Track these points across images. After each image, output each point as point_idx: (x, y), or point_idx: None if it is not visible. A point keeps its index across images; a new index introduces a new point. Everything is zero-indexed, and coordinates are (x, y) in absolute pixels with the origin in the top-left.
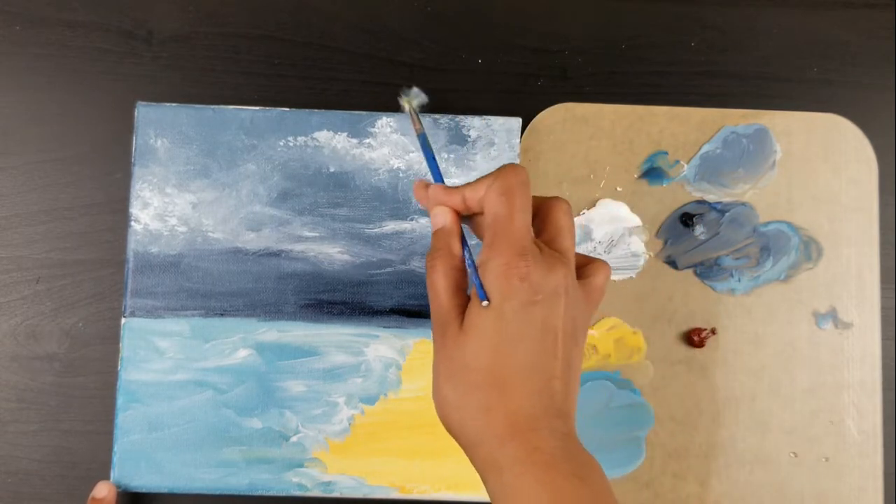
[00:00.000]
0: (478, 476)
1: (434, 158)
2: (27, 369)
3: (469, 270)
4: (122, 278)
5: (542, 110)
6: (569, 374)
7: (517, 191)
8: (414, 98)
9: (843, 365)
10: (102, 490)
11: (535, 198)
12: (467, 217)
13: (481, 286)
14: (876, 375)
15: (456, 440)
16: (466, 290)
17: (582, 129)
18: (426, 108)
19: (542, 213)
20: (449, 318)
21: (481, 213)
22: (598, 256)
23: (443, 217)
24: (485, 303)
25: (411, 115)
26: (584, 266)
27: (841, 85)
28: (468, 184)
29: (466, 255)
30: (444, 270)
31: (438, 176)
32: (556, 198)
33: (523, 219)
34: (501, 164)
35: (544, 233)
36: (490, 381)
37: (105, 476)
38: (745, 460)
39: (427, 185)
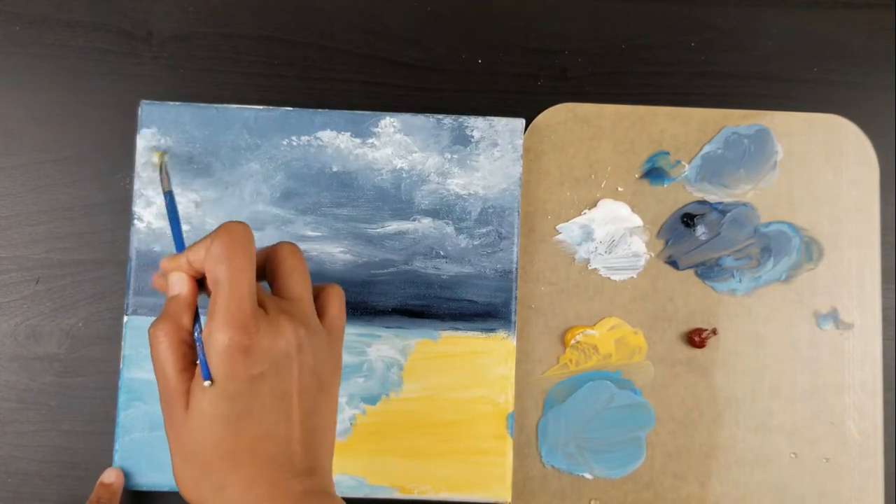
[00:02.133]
0: (480, 477)
1: (178, 222)
2: (27, 370)
3: (197, 346)
4: (122, 279)
5: (542, 110)
6: (312, 430)
7: (235, 252)
8: (164, 154)
9: (844, 366)
10: (111, 476)
11: (261, 250)
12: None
13: (205, 363)
14: (877, 376)
15: None
16: (193, 365)
17: (583, 130)
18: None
19: (270, 260)
20: (175, 397)
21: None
22: (598, 256)
23: (179, 285)
24: (206, 383)
25: (162, 170)
26: (318, 297)
27: (841, 85)
28: (191, 246)
29: (196, 329)
30: (171, 344)
31: (179, 242)
32: (281, 243)
33: (244, 283)
34: (504, 165)
35: (275, 281)
36: (221, 461)
37: None
38: (745, 461)
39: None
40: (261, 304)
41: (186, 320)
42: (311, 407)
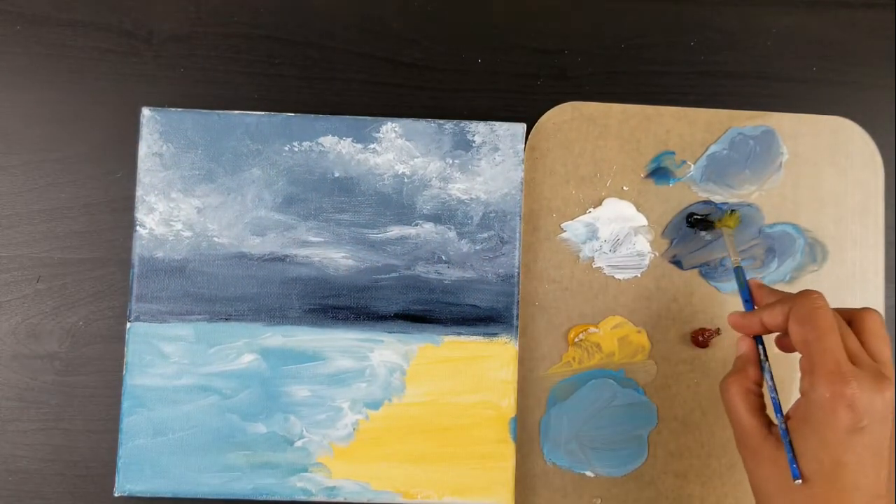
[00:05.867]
0: (483, 482)
1: (746, 292)
2: (28, 368)
3: (782, 436)
4: (123, 277)
5: (541, 110)
6: (891, 490)
7: (818, 315)
8: (730, 220)
9: None
10: None
11: (842, 310)
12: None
13: (794, 462)
14: None
15: None
16: (764, 411)
17: (589, 128)
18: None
19: (855, 323)
20: (755, 440)
21: (784, 333)
22: (602, 254)
23: (743, 346)
24: (798, 482)
25: (728, 244)
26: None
27: (841, 85)
28: (765, 307)
29: (767, 379)
30: (740, 392)
31: (748, 302)
32: (867, 308)
33: (833, 341)
34: (506, 169)
35: (862, 340)
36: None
37: (108, 478)
38: None
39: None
40: (852, 360)
41: (752, 372)
42: (892, 467)
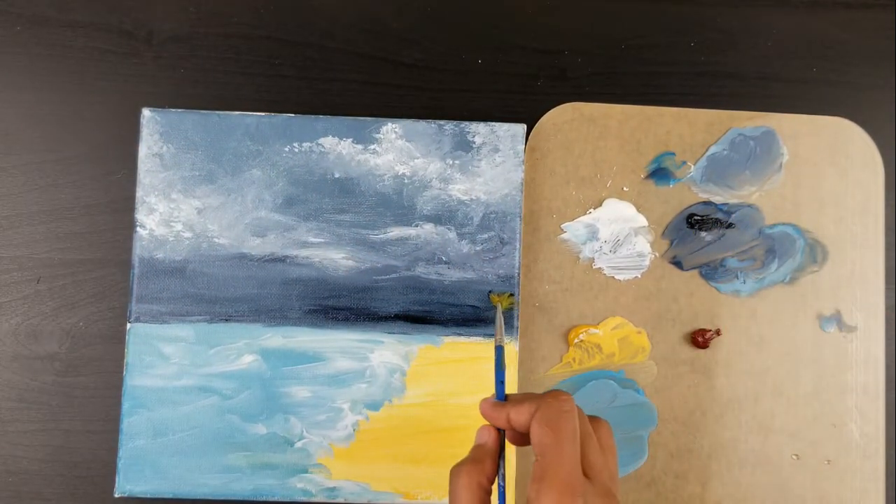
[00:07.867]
0: None
1: (503, 372)
2: (28, 369)
3: (499, 493)
4: (123, 278)
5: (541, 110)
6: None
7: (562, 421)
8: (506, 301)
9: (847, 368)
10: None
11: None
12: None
13: None
14: (879, 378)
15: None
16: None
17: (589, 129)
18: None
19: (588, 431)
20: None
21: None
22: (603, 255)
23: (485, 436)
24: None
25: (498, 322)
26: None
27: (840, 85)
28: (514, 402)
29: (499, 478)
30: (469, 484)
31: (501, 392)
32: (597, 418)
33: (571, 451)
34: (506, 170)
35: (590, 453)
36: None
37: (109, 479)
38: (747, 462)
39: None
40: (587, 473)
41: (488, 466)
42: None
